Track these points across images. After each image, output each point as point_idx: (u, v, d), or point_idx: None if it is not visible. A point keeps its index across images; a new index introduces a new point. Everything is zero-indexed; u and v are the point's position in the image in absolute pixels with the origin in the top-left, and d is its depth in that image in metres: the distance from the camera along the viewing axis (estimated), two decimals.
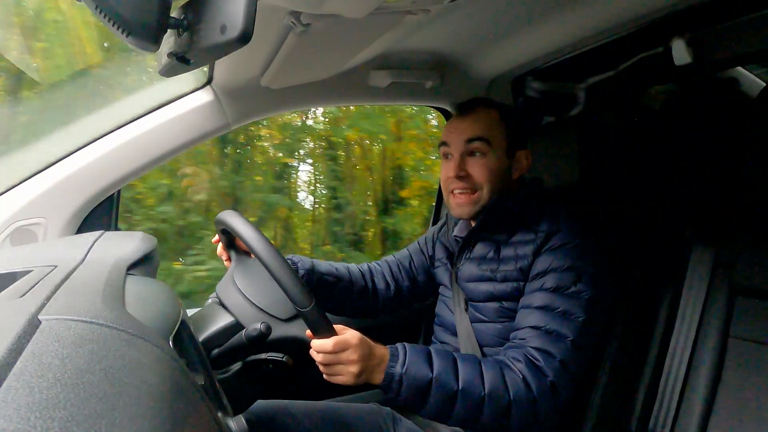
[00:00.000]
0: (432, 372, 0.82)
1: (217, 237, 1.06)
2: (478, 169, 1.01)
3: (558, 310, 0.89)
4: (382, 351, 0.84)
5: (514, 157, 1.04)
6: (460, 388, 0.82)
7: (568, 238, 0.95)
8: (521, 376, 0.84)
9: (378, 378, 0.82)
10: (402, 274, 1.24)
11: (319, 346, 0.81)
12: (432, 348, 0.88)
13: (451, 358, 0.85)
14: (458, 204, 1.03)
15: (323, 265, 1.15)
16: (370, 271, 1.24)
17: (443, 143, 1.06)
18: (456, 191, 1.03)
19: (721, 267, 0.95)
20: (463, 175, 1.01)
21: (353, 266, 1.24)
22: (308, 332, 0.83)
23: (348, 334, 0.82)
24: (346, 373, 0.81)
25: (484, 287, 1.01)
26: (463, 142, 1.02)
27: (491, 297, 1.00)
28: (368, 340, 0.83)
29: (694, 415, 0.89)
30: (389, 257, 1.29)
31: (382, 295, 1.21)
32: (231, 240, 1.05)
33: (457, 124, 1.04)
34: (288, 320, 0.92)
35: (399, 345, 0.85)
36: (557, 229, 0.97)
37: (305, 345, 0.83)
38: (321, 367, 0.83)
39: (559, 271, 0.92)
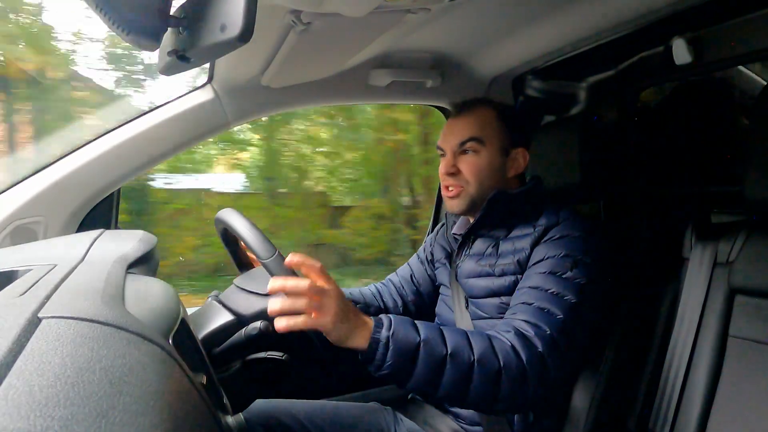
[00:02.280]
0: (419, 336, 0.78)
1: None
2: (468, 166, 1.03)
3: (550, 290, 0.89)
4: (365, 317, 0.79)
5: (509, 156, 1.05)
6: (449, 352, 0.78)
7: (568, 231, 0.95)
8: (510, 344, 0.82)
9: (362, 342, 0.76)
10: (405, 290, 1.27)
11: (293, 287, 0.71)
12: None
13: (436, 326, 0.83)
14: (448, 197, 1.07)
15: None
16: (379, 292, 1.28)
17: (438, 146, 1.09)
18: (448, 187, 1.06)
19: (721, 266, 0.95)
20: (453, 172, 1.04)
21: (364, 289, 1.29)
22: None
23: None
24: (324, 316, 0.72)
25: (483, 283, 1.01)
26: (457, 144, 1.04)
27: (490, 293, 1.00)
28: None
29: (694, 414, 0.89)
30: (392, 276, 1.32)
31: (392, 312, 1.24)
32: (241, 262, 1.07)
33: (452, 126, 1.07)
34: (267, 295, 0.91)
35: (382, 315, 0.81)
36: (556, 222, 0.97)
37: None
38: (282, 319, 0.72)
39: (556, 258, 0.92)
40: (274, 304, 0.72)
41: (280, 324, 0.72)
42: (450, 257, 1.17)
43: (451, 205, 1.07)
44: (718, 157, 1.28)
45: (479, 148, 1.03)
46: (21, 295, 0.41)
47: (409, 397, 1.15)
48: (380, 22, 0.93)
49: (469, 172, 1.03)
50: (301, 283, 0.72)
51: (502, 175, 1.05)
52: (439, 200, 1.67)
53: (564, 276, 0.90)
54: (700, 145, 1.35)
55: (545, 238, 0.95)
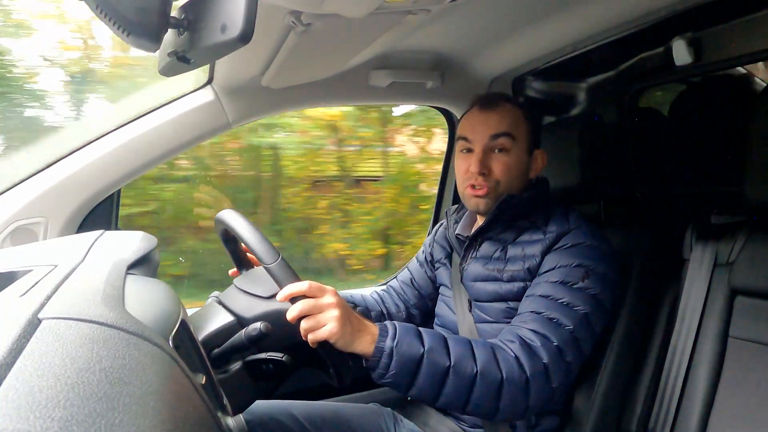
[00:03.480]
0: (423, 346, 0.79)
1: (235, 269, 1.07)
2: (500, 165, 1.00)
3: (561, 300, 0.88)
4: (367, 321, 0.80)
5: (532, 156, 1.05)
6: (452, 363, 0.78)
7: (580, 239, 0.94)
8: (514, 355, 0.81)
9: (366, 349, 0.77)
10: (407, 294, 1.27)
11: (294, 287, 0.76)
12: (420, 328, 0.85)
13: (441, 336, 0.83)
14: (475, 195, 1.01)
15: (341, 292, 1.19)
16: (381, 298, 1.28)
17: (463, 137, 1.04)
18: (474, 185, 1.01)
19: (721, 267, 0.95)
20: (485, 172, 1.00)
21: (366, 295, 1.29)
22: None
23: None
24: (329, 320, 0.75)
25: (491, 287, 1.01)
26: (488, 137, 1.00)
27: (497, 297, 0.99)
28: None
29: (694, 415, 0.89)
30: (392, 282, 1.32)
31: (395, 318, 1.24)
32: (240, 260, 1.07)
33: (482, 119, 1.02)
34: (269, 298, 0.92)
35: (387, 322, 0.82)
36: (567, 229, 0.96)
37: (288, 323, 0.80)
38: (302, 324, 0.77)
39: (569, 267, 0.91)
40: (292, 312, 0.77)
41: (304, 333, 0.78)
42: (450, 258, 1.16)
43: (476, 203, 1.02)
44: (718, 158, 1.28)
45: (510, 146, 1.00)
46: (21, 296, 0.41)
47: (409, 398, 1.15)
48: (380, 23, 0.93)
49: (500, 172, 1.00)
50: (301, 285, 0.77)
51: (526, 175, 1.04)
52: (439, 201, 1.66)
53: (576, 286, 0.89)
54: (700, 145, 1.35)
55: (556, 246, 0.95)
